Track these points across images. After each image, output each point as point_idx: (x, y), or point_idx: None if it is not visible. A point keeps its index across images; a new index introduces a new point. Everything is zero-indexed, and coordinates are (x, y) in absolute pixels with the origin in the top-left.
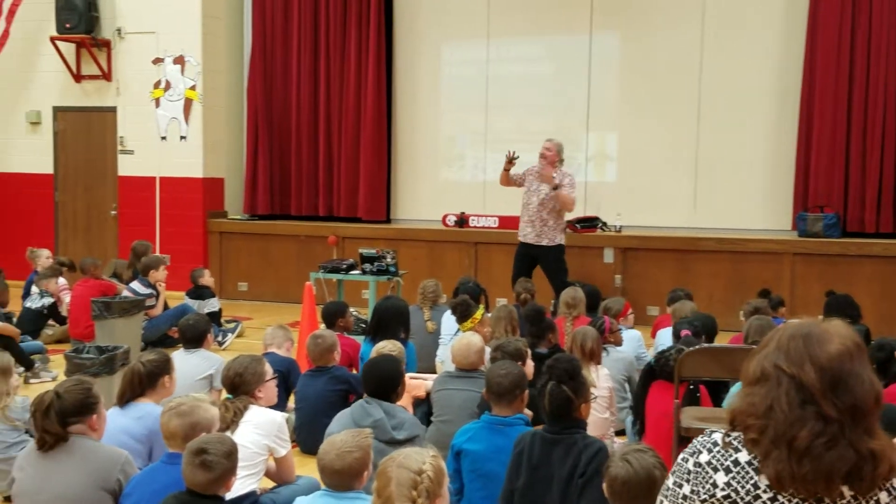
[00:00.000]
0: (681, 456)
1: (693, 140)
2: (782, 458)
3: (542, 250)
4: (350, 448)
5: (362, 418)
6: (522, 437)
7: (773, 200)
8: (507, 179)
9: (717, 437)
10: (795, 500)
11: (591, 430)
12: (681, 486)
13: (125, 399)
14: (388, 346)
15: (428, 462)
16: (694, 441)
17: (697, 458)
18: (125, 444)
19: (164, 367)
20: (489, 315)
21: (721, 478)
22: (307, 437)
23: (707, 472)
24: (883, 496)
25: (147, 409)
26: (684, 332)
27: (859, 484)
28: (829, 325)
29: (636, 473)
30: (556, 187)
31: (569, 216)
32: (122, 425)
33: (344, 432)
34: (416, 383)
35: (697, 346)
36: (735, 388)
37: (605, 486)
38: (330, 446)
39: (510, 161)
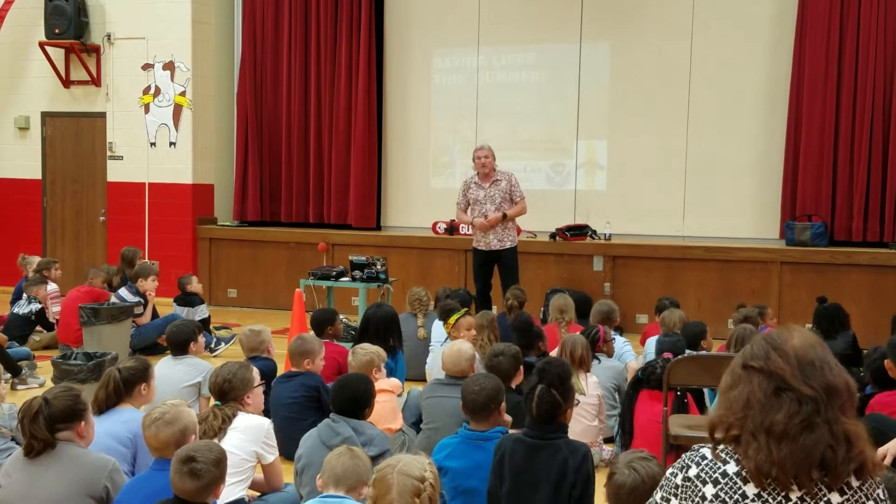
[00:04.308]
0: (669, 471)
1: (682, 149)
2: (761, 446)
3: (506, 252)
4: (359, 453)
5: (330, 437)
6: (502, 443)
7: (761, 209)
8: (464, 218)
9: (706, 451)
10: (778, 500)
11: (581, 437)
12: (668, 501)
13: (103, 406)
14: (365, 348)
15: (428, 469)
16: (683, 456)
17: (686, 472)
18: (111, 447)
19: (142, 375)
20: (465, 320)
21: (709, 490)
22: (280, 441)
23: (696, 486)
24: (880, 492)
25: (131, 414)
26: (666, 354)
27: (833, 469)
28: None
29: (643, 481)
30: (504, 216)
31: (559, 224)
32: (107, 429)
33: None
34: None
35: (686, 355)
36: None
37: (609, 493)
38: (338, 450)
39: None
